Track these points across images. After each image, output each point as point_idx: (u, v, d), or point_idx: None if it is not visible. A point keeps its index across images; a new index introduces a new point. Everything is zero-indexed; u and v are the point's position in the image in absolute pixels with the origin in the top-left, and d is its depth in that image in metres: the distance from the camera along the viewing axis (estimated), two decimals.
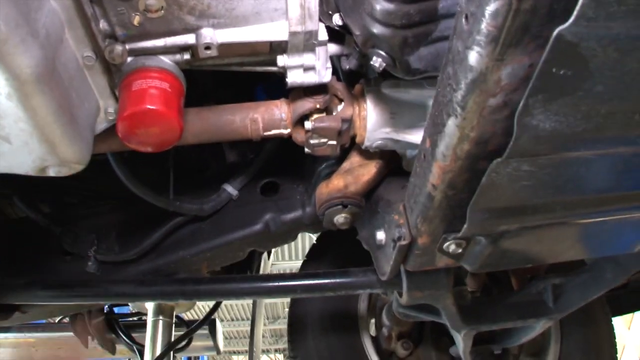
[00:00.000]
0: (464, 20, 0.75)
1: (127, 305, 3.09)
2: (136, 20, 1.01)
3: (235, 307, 12.48)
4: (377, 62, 0.98)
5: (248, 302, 12.41)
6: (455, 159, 0.92)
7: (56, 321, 3.44)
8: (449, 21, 0.92)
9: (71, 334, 2.66)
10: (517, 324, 1.76)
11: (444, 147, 0.91)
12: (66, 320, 3.03)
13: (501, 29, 0.69)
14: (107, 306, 2.81)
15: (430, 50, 0.97)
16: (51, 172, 1.10)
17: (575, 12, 0.62)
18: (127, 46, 1.06)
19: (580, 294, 1.68)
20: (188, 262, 1.77)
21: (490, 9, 0.68)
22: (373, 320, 2.37)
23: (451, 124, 0.86)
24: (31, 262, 1.82)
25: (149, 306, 2.18)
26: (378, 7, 0.89)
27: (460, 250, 1.19)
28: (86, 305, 2.11)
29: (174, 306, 2.20)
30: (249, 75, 1.77)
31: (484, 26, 0.70)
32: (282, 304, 12.34)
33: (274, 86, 1.64)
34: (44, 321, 3.70)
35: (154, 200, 1.61)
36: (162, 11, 1.00)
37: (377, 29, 0.93)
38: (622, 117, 0.81)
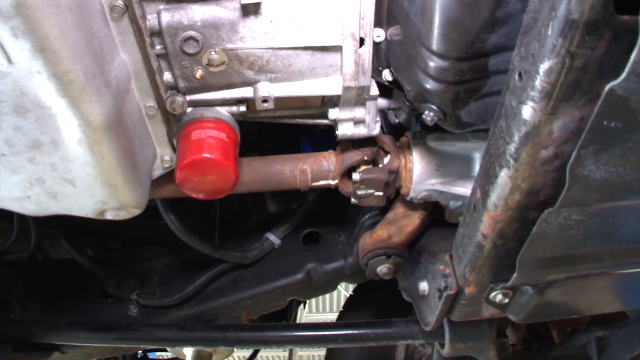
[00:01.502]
0: (516, 77, 0.79)
1: (159, 351, 3.11)
2: (199, 73, 1.07)
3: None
4: (429, 116, 1.02)
5: (278, 354, 12.31)
6: (506, 209, 0.94)
7: None
8: (498, 77, 0.96)
9: None
10: None
11: (495, 197, 0.93)
12: None
13: (554, 85, 0.73)
14: (140, 352, 2.84)
15: (480, 104, 1.01)
16: (109, 216, 1.15)
17: (626, 69, 0.66)
18: (188, 98, 1.12)
19: (626, 348, 1.65)
20: (229, 309, 1.79)
21: (544, 66, 0.72)
22: None
23: (503, 175, 0.88)
24: (73, 303, 1.87)
25: (188, 352, 2.19)
26: (432, 64, 0.94)
27: (507, 301, 1.20)
28: (124, 348, 2.13)
29: (213, 353, 2.21)
30: (293, 128, 1.84)
31: (537, 82, 0.74)
32: (307, 357, 12.17)
33: (319, 138, 1.70)
34: None
35: (199, 247, 1.65)
36: (224, 66, 1.06)
37: (430, 84, 0.97)
38: None
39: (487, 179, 0.94)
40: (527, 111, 0.77)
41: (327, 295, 11.02)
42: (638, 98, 0.71)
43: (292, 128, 1.83)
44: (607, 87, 0.69)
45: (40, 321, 1.75)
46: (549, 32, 0.69)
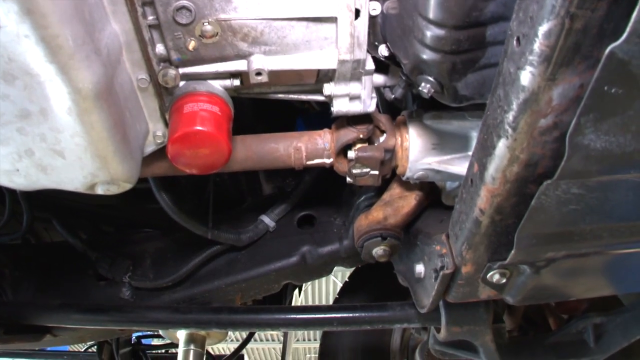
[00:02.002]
0: (515, 42, 0.77)
1: (153, 337, 3.10)
2: (191, 45, 1.05)
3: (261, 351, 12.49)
4: (425, 87, 1.00)
5: (274, 346, 12.37)
6: (504, 182, 0.92)
7: (83, 350, 3.45)
8: (496, 48, 0.94)
9: None
10: None
11: (493, 169, 0.91)
12: (92, 349, 3.05)
13: (554, 48, 0.71)
14: (134, 337, 2.83)
15: (477, 77, 0.99)
16: (99, 190, 1.13)
17: (627, 29, 0.64)
18: (180, 70, 1.10)
19: (623, 334, 1.64)
20: (222, 292, 1.78)
21: (543, 29, 0.70)
22: None
23: (502, 145, 0.87)
24: (65, 286, 1.86)
25: (181, 336, 2.17)
26: (429, 33, 0.92)
27: (504, 281, 1.18)
28: (117, 331, 2.12)
29: (206, 336, 2.20)
30: (289, 112, 1.83)
31: (536, 46, 0.72)
32: (303, 350, 12.23)
33: (314, 119, 1.68)
34: (67, 348, 3.70)
35: (193, 228, 1.63)
36: (217, 37, 1.04)
37: (427, 54, 0.95)
38: None
39: (484, 150, 0.92)
40: (526, 77, 0.76)
41: (324, 288, 11.06)
42: (639, 62, 0.69)
43: (287, 112, 1.82)
44: (607, 50, 0.67)
45: (31, 303, 1.74)
46: None
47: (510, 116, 0.82)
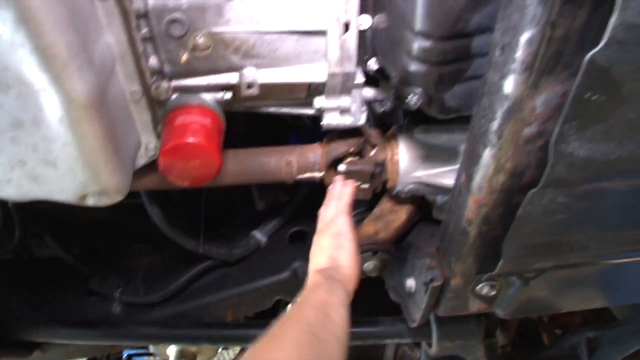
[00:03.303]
0: (498, 51, 0.79)
1: (144, 355, 3.08)
2: (184, 57, 1.07)
3: None
4: (413, 99, 1.02)
5: None
6: (490, 192, 0.94)
7: None
8: (481, 60, 0.96)
9: None
10: None
11: (479, 178, 0.93)
12: None
13: (535, 55, 0.73)
14: (125, 354, 2.81)
15: (464, 88, 1.00)
16: (91, 201, 1.13)
17: (606, 35, 0.66)
18: (173, 83, 1.12)
19: (617, 349, 1.65)
20: (214, 308, 1.77)
21: (525, 37, 0.72)
22: None
23: (487, 154, 0.88)
24: (56, 301, 1.84)
25: (171, 352, 2.16)
26: (416, 44, 0.94)
27: (493, 293, 1.19)
28: (107, 347, 2.10)
29: (197, 353, 2.18)
30: (281, 127, 1.84)
31: (519, 54, 0.74)
32: None
33: (307, 135, 1.69)
34: None
35: (184, 243, 1.63)
36: (209, 50, 1.06)
37: (414, 66, 0.97)
38: None
39: (471, 160, 0.94)
40: (509, 85, 0.77)
41: None
42: (620, 68, 0.71)
43: (280, 127, 1.84)
44: (587, 56, 0.69)
45: (20, 318, 1.73)
46: (529, 2, 0.69)
47: (495, 125, 0.83)
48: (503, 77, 0.78)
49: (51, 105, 0.92)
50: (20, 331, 1.65)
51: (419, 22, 0.90)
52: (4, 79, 0.88)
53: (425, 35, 0.91)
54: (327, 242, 1.13)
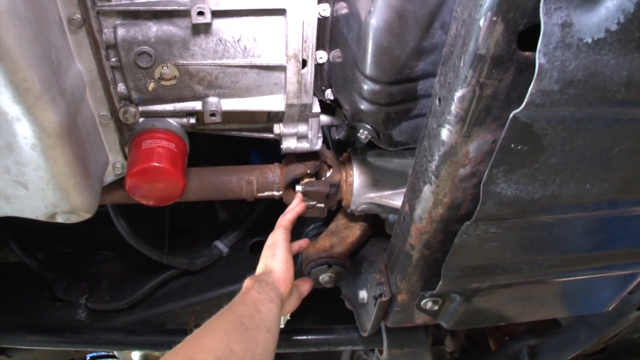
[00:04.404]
0: (437, 102, 0.88)
1: (107, 358, 3.10)
2: (151, 86, 1.13)
3: None
4: (363, 134, 1.11)
5: None
6: (430, 222, 1.03)
7: None
8: (427, 100, 1.05)
9: None
10: None
11: (420, 210, 1.02)
12: None
13: (467, 111, 0.82)
14: (88, 357, 2.83)
15: (410, 124, 1.10)
16: (60, 219, 1.19)
17: (525, 100, 0.75)
18: (140, 108, 1.18)
19: (556, 355, 1.77)
20: (177, 315, 1.84)
21: (458, 94, 0.81)
22: None
23: (427, 190, 0.97)
24: (20, 307, 1.87)
25: (135, 357, 2.21)
26: (365, 87, 1.02)
27: (436, 308, 1.29)
28: (72, 352, 2.14)
29: (160, 358, 2.24)
30: (244, 141, 1.91)
31: (453, 108, 0.83)
32: None
33: (267, 151, 1.77)
34: None
35: (148, 253, 1.69)
36: (175, 80, 1.13)
37: (364, 105, 1.06)
38: (575, 186, 0.93)
39: (413, 193, 1.03)
40: (445, 133, 0.86)
41: None
42: (540, 124, 0.81)
43: (242, 141, 1.91)
44: (511, 115, 0.78)
45: None
46: (462, 65, 0.78)
47: (433, 165, 0.92)
48: (440, 125, 0.87)
49: (24, 133, 0.97)
50: None
51: (368, 67, 0.99)
52: None
53: (374, 80, 1.00)
54: (263, 253, 1.26)
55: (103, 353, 2.93)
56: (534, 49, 0.73)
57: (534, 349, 1.86)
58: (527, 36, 0.75)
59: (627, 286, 1.43)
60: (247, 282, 1.16)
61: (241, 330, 0.94)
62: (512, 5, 0.71)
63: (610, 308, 1.49)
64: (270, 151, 1.69)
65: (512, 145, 0.83)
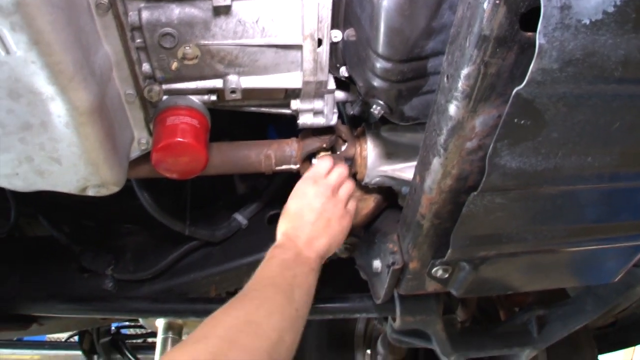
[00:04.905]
0: (445, 79, 0.93)
1: (131, 327, 3.21)
2: (174, 66, 1.19)
3: None
4: (376, 110, 1.17)
5: None
6: (439, 192, 1.09)
7: (64, 340, 3.55)
8: (436, 77, 1.10)
9: (77, 352, 2.79)
10: (503, 352, 1.90)
11: (430, 182, 1.08)
12: (73, 339, 3.16)
13: (473, 88, 0.87)
14: (114, 327, 2.95)
15: (421, 100, 1.15)
16: (90, 192, 1.27)
17: (526, 78, 0.80)
18: (164, 87, 1.24)
19: (563, 325, 1.82)
20: (198, 284, 1.92)
21: (464, 72, 0.86)
22: (369, 351, 2.50)
23: (436, 162, 1.03)
24: (50, 278, 1.97)
25: (160, 324, 2.31)
26: (378, 65, 1.08)
27: (446, 276, 1.35)
28: (99, 320, 2.25)
29: (183, 325, 2.33)
30: (261, 117, 1.97)
31: (460, 85, 0.88)
32: None
33: (284, 126, 1.83)
34: (45, 338, 3.79)
35: (171, 225, 1.77)
36: (197, 59, 1.19)
37: (377, 82, 1.11)
38: (577, 159, 0.98)
39: (423, 166, 1.09)
40: (453, 109, 0.92)
41: None
42: (542, 100, 0.86)
43: (260, 117, 1.97)
44: (513, 91, 0.83)
45: (19, 294, 1.86)
46: (467, 45, 0.83)
47: (442, 139, 0.98)
48: (448, 101, 0.92)
49: (58, 112, 1.04)
50: (19, 306, 1.77)
51: (381, 47, 1.04)
52: (15, 88, 0.99)
53: (386, 58, 1.05)
54: None
55: (127, 322, 3.06)
56: (535, 30, 0.78)
57: (542, 319, 1.91)
58: (529, 17, 0.80)
59: (632, 258, 1.47)
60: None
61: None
62: None
63: (616, 279, 1.54)
64: (288, 126, 1.75)
65: (516, 120, 0.88)
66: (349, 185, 1.38)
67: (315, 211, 1.29)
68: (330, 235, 1.29)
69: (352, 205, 1.40)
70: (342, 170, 1.38)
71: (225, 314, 0.99)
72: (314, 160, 1.47)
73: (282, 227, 1.30)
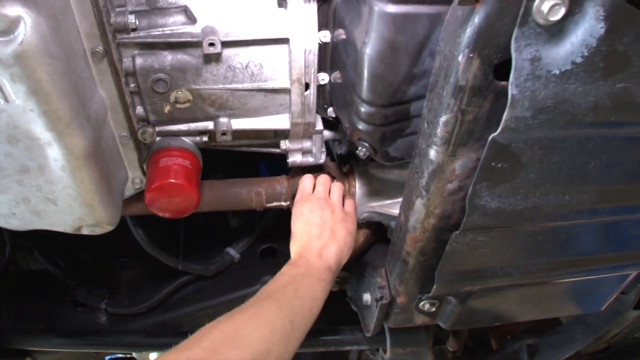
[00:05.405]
0: (425, 125, 0.97)
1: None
2: (167, 109, 1.23)
3: None
4: (361, 151, 1.21)
5: None
6: (423, 231, 1.12)
7: None
8: (419, 119, 1.14)
9: None
10: None
11: (414, 221, 1.12)
12: None
13: (451, 133, 0.91)
14: (107, 358, 2.93)
15: (405, 141, 1.19)
16: (85, 231, 1.30)
17: (501, 124, 0.85)
18: (157, 129, 1.28)
19: (553, 354, 1.84)
20: (192, 318, 1.94)
21: (442, 119, 0.90)
22: None
23: (419, 203, 1.07)
24: (44, 312, 1.99)
25: (153, 358, 2.31)
26: (362, 109, 1.12)
27: (434, 309, 1.38)
28: (93, 354, 2.25)
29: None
30: (253, 153, 2.01)
31: (439, 131, 0.92)
32: None
33: (275, 163, 1.87)
34: None
35: (165, 260, 1.80)
36: (189, 103, 1.23)
37: (361, 125, 1.16)
38: (555, 198, 1.02)
39: (407, 205, 1.13)
40: (433, 153, 0.96)
41: None
42: (517, 145, 0.90)
43: (251, 153, 2.01)
44: (489, 138, 0.87)
45: (13, 328, 1.87)
46: (444, 94, 0.88)
47: (423, 181, 1.02)
48: (428, 145, 0.96)
49: (55, 156, 1.07)
50: (13, 340, 1.79)
51: (364, 92, 1.08)
52: (13, 134, 1.02)
53: (369, 103, 1.09)
54: None
55: (121, 355, 3.04)
56: (509, 78, 0.83)
57: (533, 347, 1.94)
58: (503, 67, 0.84)
59: (618, 287, 1.51)
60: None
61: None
62: (487, 42, 0.80)
63: (603, 308, 1.57)
64: (278, 163, 1.79)
65: (493, 164, 0.92)
66: (336, 188, 1.43)
67: (317, 225, 1.33)
68: (338, 241, 1.33)
69: (349, 204, 1.44)
70: (324, 179, 1.44)
71: (214, 326, 1.02)
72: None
73: (294, 248, 1.34)
